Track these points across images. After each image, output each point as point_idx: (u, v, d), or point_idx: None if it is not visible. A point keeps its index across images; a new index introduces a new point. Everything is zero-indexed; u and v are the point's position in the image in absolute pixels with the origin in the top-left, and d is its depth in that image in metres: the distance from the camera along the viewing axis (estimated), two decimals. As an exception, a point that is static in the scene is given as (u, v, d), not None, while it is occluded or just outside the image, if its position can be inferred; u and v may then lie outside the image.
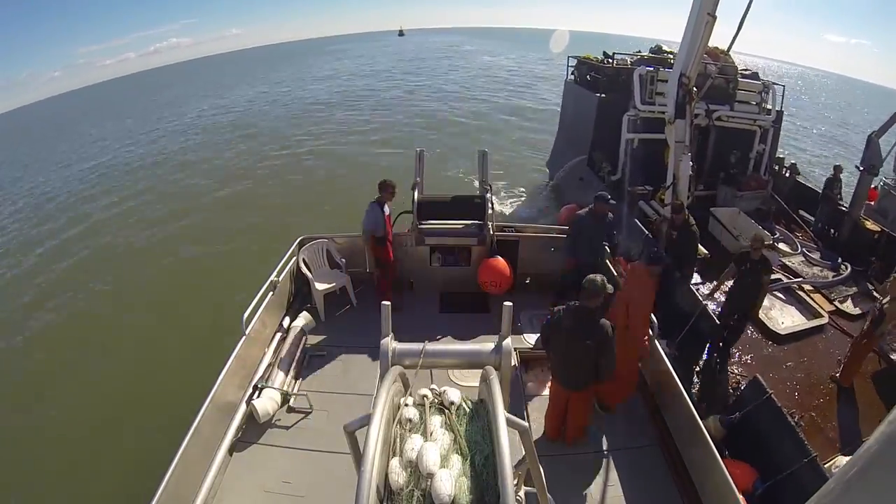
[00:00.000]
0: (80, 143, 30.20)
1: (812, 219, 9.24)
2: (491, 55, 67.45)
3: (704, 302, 5.76)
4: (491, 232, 5.68)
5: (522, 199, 14.61)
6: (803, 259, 8.05)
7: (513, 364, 4.28)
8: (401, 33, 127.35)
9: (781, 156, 11.19)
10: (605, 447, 3.90)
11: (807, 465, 3.77)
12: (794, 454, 3.88)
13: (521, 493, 2.09)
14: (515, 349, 4.78)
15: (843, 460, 4.13)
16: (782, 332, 6.18)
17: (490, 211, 5.75)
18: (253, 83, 49.77)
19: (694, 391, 5.43)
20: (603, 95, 10.76)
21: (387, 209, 5.29)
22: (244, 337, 4.22)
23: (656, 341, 4.14)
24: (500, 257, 5.67)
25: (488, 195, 5.83)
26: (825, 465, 3.90)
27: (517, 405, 4.19)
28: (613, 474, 3.67)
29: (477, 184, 6.21)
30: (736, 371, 5.68)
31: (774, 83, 10.47)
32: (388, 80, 42.21)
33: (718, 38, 7.54)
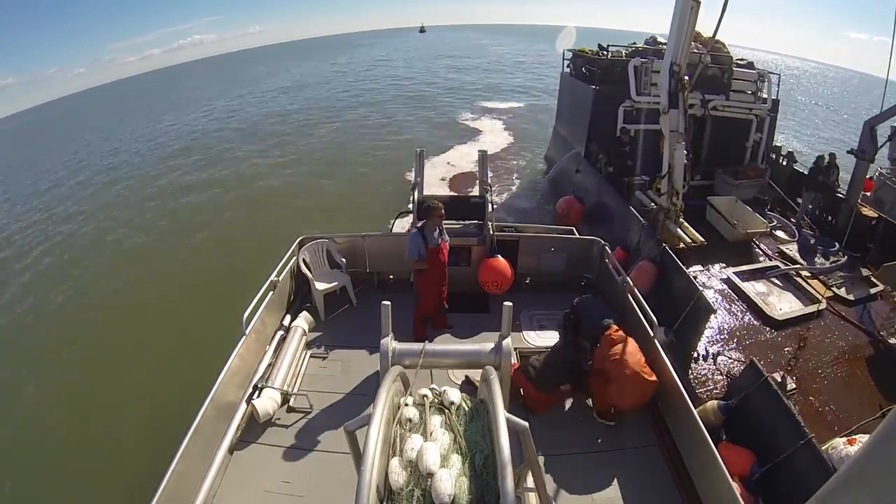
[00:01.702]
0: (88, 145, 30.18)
1: (810, 206, 9.25)
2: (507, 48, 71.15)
3: (701, 288, 5.79)
4: (491, 232, 5.68)
5: (520, 191, 14.67)
6: (801, 246, 8.07)
7: (512, 363, 4.28)
8: (422, 30, 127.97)
9: (779, 144, 11.19)
10: (605, 447, 3.90)
11: (803, 447, 3.79)
12: (791, 437, 3.90)
13: (521, 493, 2.10)
14: (515, 349, 4.77)
15: (839, 442, 4.17)
16: (780, 318, 6.22)
17: (490, 211, 5.75)
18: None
19: (691, 377, 5.47)
20: (598, 87, 10.73)
21: (438, 235, 4.83)
22: (244, 337, 4.21)
23: (656, 341, 4.14)
24: (500, 257, 5.66)
25: (488, 195, 5.83)
26: (822, 448, 3.93)
27: (517, 405, 4.19)
28: (613, 474, 3.66)
29: (477, 183, 6.20)
30: (733, 357, 5.73)
31: (770, 72, 10.46)
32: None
33: (725, 31, 7.45)
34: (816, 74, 76.96)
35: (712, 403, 4.73)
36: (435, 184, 10.74)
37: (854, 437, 4.22)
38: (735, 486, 2.98)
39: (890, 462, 0.96)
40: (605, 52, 11.97)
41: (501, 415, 1.57)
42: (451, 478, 1.49)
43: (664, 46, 10.70)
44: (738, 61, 10.63)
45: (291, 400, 4.19)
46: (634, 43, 12.30)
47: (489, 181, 6.02)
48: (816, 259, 7.71)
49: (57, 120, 52.29)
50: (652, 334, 4.19)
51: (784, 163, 10.57)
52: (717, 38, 9.95)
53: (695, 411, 3.52)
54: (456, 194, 6.19)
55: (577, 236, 6.08)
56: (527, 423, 1.75)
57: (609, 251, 5.59)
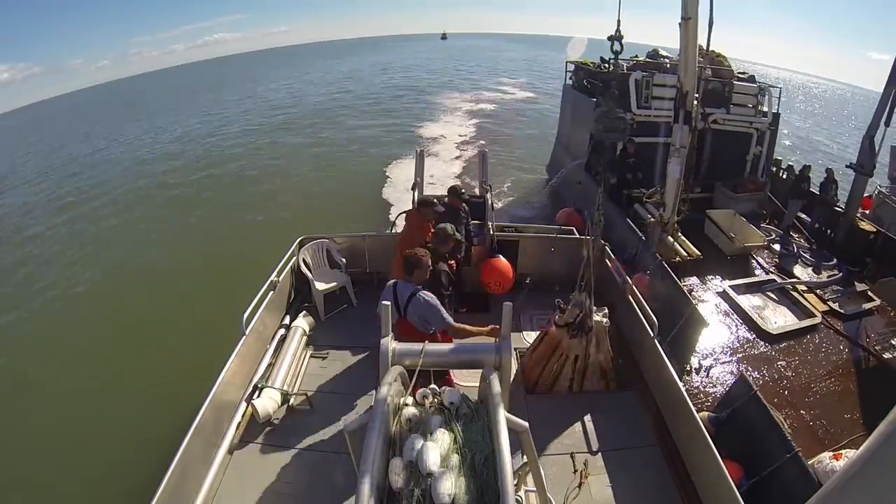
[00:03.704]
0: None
1: (808, 219, 9.31)
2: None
3: (694, 302, 5.83)
4: (491, 232, 5.72)
5: (521, 203, 14.69)
6: (798, 259, 8.13)
7: (513, 365, 4.26)
8: (444, 37, 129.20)
9: (779, 157, 11.26)
10: (605, 447, 3.91)
11: (790, 460, 3.81)
12: (778, 450, 3.93)
13: (521, 493, 2.12)
14: (515, 349, 4.79)
15: (825, 456, 4.20)
16: (774, 332, 6.25)
17: (490, 211, 5.78)
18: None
19: (685, 388, 5.49)
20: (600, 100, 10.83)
21: None
22: (244, 336, 4.22)
23: (656, 342, 4.18)
24: (500, 257, 5.70)
25: (488, 195, 5.87)
26: (809, 462, 3.96)
27: (517, 405, 4.22)
28: (613, 474, 3.68)
29: (477, 184, 6.27)
30: (726, 370, 5.76)
31: (771, 86, 10.55)
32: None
33: (746, 49, 7.52)
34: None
35: (703, 416, 4.75)
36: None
37: (841, 451, 4.24)
38: None
39: (890, 463, 0.98)
40: (606, 65, 12.08)
41: (501, 415, 1.60)
42: (451, 478, 1.51)
43: (665, 60, 10.85)
44: (740, 74, 10.73)
45: (291, 400, 4.20)
46: (636, 56, 12.41)
47: (489, 181, 6.07)
48: (814, 273, 7.76)
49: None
50: (652, 335, 4.23)
51: (784, 176, 10.64)
52: (719, 53, 10.07)
53: (694, 411, 3.53)
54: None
55: (578, 236, 6.12)
56: (527, 424, 1.78)
57: (610, 252, 5.65)
